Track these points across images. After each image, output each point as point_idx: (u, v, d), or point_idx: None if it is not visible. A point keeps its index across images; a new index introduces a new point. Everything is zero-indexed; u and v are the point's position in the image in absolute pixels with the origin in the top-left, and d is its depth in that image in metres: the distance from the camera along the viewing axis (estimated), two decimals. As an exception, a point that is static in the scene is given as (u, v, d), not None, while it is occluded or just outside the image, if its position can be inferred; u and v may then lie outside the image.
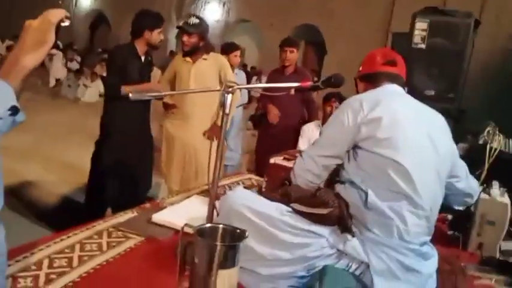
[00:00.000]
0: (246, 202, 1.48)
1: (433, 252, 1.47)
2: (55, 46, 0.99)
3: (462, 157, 2.48)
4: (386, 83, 1.65)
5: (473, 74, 10.57)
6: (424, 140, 1.48)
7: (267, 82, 4.25)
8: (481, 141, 2.38)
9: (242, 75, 4.64)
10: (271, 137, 3.87)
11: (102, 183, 3.15)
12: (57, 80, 11.25)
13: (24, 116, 0.96)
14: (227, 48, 4.35)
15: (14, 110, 0.92)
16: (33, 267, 1.42)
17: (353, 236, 1.38)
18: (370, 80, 1.71)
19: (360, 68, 1.80)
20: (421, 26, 3.84)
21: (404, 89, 1.72)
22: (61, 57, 12.04)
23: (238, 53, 4.37)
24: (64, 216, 3.46)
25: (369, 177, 1.42)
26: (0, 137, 0.93)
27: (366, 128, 1.45)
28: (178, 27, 3.21)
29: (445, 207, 1.85)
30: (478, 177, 2.23)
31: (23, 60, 0.94)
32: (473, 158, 2.31)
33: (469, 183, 1.70)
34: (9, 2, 17.13)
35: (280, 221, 1.42)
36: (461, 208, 1.82)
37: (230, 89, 1.56)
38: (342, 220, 1.40)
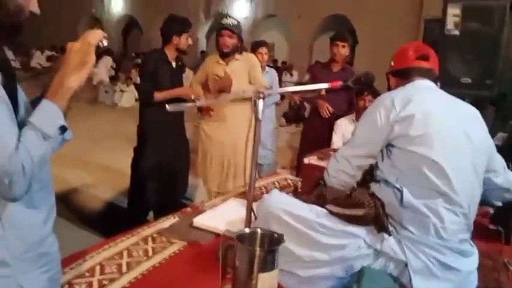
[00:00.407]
0: (283, 205, 1.52)
1: (473, 249, 1.46)
2: (95, 65, 1.07)
3: (501, 147, 2.43)
4: (419, 78, 1.63)
5: (513, 56, 10.13)
6: (459, 135, 1.46)
7: (310, 75, 4.17)
8: (521, 130, 2.31)
9: (273, 74, 4.64)
10: (317, 132, 3.80)
11: (143, 188, 3.27)
12: (100, 82, 11.71)
13: (71, 134, 1.05)
14: (254, 46, 4.38)
15: (63, 129, 1.01)
16: (87, 274, 1.52)
17: (390, 235, 1.39)
18: (403, 75, 1.69)
19: (392, 63, 1.78)
20: (453, 11, 3.71)
21: (436, 83, 1.70)
22: (109, 61, 12.81)
23: (263, 49, 4.32)
24: (109, 220, 3.62)
25: (404, 175, 1.42)
26: (52, 155, 1.02)
27: (398, 126, 1.45)
28: (222, 27, 3.21)
29: (485, 203, 1.82)
30: (519, 168, 2.17)
31: (67, 81, 1.02)
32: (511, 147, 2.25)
33: (507, 178, 1.66)
34: (50, 15, 17.77)
35: (317, 223, 1.45)
36: (500, 203, 1.78)
37: (261, 95, 1.60)
38: (378, 220, 1.42)
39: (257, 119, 1.58)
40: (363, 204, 1.43)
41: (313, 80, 3.82)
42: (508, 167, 2.21)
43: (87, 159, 5.53)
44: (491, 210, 2.16)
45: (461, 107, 1.58)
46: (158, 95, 3.09)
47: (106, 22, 18.59)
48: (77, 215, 3.79)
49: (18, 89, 1.04)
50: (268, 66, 4.72)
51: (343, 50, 3.75)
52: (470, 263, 1.43)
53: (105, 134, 7.12)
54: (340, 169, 1.58)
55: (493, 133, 2.80)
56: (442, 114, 1.47)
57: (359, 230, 1.43)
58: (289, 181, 2.66)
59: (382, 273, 1.36)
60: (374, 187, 1.50)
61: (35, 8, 1.06)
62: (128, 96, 10.56)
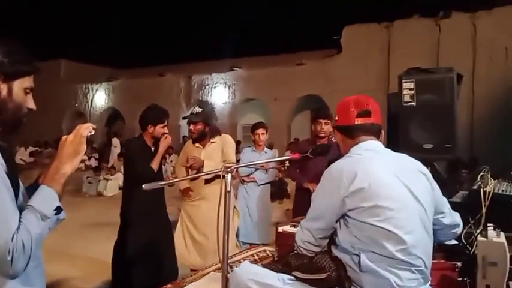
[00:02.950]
0: (252, 276, 1.61)
1: None
2: (85, 153, 1.25)
3: (461, 204, 2.59)
4: (362, 136, 1.72)
5: (479, 123, 10.85)
6: (407, 198, 1.55)
7: (298, 151, 4.32)
8: (475, 187, 2.49)
9: (270, 154, 4.89)
10: (306, 206, 3.84)
11: (127, 271, 3.26)
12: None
13: (65, 215, 1.20)
14: (252, 128, 4.71)
15: (58, 210, 1.16)
16: None
17: None
18: (347, 133, 1.75)
19: (336, 118, 1.83)
20: (407, 85, 4.07)
21: (380, 133, 1.78)
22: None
23: (259, 130, 4.65)
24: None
25: (361, 243, 1.49)
26: (48, 234, 1.15)
27: (349, 200, 1.52)
28: (184, 118, 3.52)
29: (439, 243, 1.90)
30: (478, 222, 2.32)
31: (62, 168, 1.20)
32: (471, 204, 2.42)
33: (453, 217, 1.78)
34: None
35: None
36: (453, 242, 1.86)
37: (229, 169, 1.77)
38: (340, 282, 1.49)
39: (226, 191, 1.74)
40: (325, 268, 1.51)
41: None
42: (469, 222, 2.38)
43: (72, 252, 5.47)
44: (459, 264, 2.26)
45: (405, 166, 1.66)
46: (153, 165, 3.26)
47: (90, 115, 19.15)
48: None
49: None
50: (267, 147, 5.00)
51: (326, 127, 3.91)
52: None
53: (88, 225, 7.09)
54: (306, 240, 1.64)
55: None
56: (388, 181, 1.55)
57: None
58: (267, 252, 2.74)
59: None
60: (334, 251, 1.58)
61: (31, 105, 1.26)
62: (112, 185, 10.63)
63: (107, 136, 19.33)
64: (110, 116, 19.42)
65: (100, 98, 19.13)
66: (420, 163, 1.73)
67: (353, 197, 1.51)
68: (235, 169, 1.82)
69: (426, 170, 1.71)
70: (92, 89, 19.22)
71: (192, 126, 3.46)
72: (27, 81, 1.24)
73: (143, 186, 1.71)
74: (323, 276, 1.51)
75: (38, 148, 15.57)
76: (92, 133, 1.27)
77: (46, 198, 1.15)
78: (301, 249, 1.67)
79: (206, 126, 3.45)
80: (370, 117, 1.73)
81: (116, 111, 18.90)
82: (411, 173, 1.65)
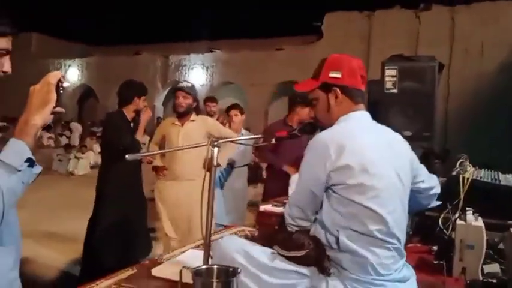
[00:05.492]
0: (236, 247, 1.57)
1: (409, 272, 1.53)
2: (58, 105, 1.15)
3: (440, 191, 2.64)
4: (361, 104, 1.63)
5: (453, 115, 11.06)
6: (392, 177, 1.51)
7: (274, 131, 4.26)
8: (454, 173, 2.53)
9: (247, 135, 4.84)
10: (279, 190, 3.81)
11: (99, 246, 3.20)
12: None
13: (40, 168, 1.12)
14: (226, 110, 4.64)
15: (31, 162, 1.07)
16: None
17: (328, 276, 1.43)
18: (352, 95, 1.60)
19: (339, 75, 1.60)
20: (390, 72, 4.08)
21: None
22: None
23: (233, 112, 4.59)
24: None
25: (342, 219, 1.45)
26: (23, 189, 1.07)
27: (335, 174, 1.47)
28: (176, 88, 3.40)
29: (420, 210, 1.95)
30: (456, 207, 2.37)
31: (32, 119, 1.10)
32: (449, 190, 2.46)
33: (430, 180, 1.74)
34: (2, 87, 17.57)
35: (269, 266, 1.49)
36: (437, 203, 1.85)
37: (216, 143, 1.73)
38: (318, 261, 1.46)
39: (212, 165, 1.69)
40: (303, 246, 1.47)
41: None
42: (447, 207, 2.42)
43: (42, 230, 5.36)
44: (434, 248, 2.31)
45: (392, 140, 1.61)
46: (138, 136, 3.21)
47: (62, 92, 18.56)
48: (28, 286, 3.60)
49: None
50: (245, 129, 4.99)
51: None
52: (408, 286, 1.49)
53: (60, 204, 6.95)
54: (296, 217, 1.58)
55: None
56: (376, 158, 1.49)
57: (306, 270, 1.46)
58: (247, 232, 2.72)
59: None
60: (312, 227, 1.53)
61: (6, 67, 1.17)
62: (83, 163, 10.41)
63: (78, 114, 18.88)
64: (83, 93, 18.92)
65: (73, 74, 18.57)
66: (401, 138, 1.68)
67: (339, 172, 1.45)
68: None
69: (407, 143, 1.67)
70: (65, 65, 18.63)
71: (181, 99, 3.33)
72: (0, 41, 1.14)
73: (126, 156, 1.65)
74: (301, 254, 1.47)
75: (5, 123, 15.04)
76: (66, 84, 1.17)
77: (15, 150, 1.06)
78: (292, 226, 1.60)
79: (194, 102, 3.38)
80: (364, 85, 1.65)
81: (89, 88, 18.42)
82: (397, 149, 1.60)
